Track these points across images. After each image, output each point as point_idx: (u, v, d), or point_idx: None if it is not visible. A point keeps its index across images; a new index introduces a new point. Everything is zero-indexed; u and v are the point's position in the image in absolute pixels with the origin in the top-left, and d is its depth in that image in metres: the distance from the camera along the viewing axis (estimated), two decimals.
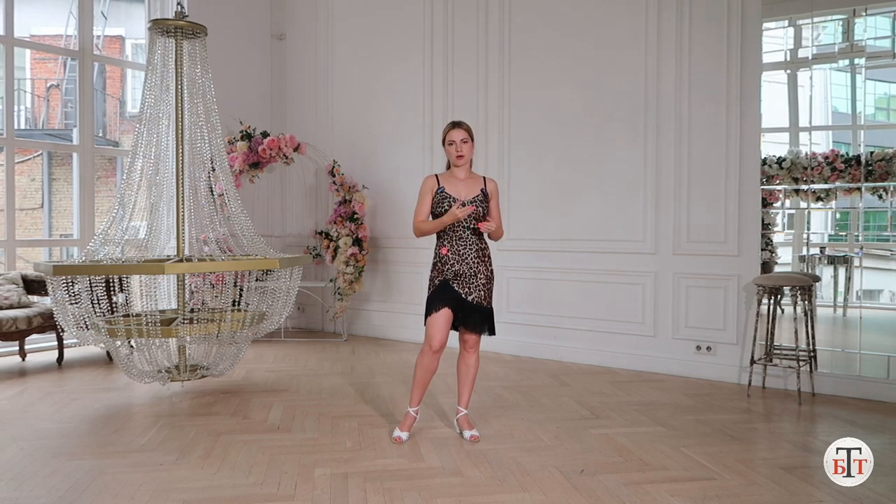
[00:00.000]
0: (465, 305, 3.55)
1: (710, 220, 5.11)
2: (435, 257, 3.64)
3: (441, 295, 3.54)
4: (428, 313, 3.55)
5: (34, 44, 9.51)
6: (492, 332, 3.65)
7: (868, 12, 4.80)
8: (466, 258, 3.56)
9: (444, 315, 3.52)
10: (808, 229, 5.07)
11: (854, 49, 4.90)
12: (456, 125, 3.61)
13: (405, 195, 6.55)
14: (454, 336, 3.70)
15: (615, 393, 4.68)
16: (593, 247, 5.63)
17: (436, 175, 3.68)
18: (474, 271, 3.57)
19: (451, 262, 3.56)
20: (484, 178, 3.70)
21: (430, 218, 3.65)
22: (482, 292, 3.58)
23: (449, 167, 3.70)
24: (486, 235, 3.67)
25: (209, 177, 4.55)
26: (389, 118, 6.83)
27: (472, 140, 3.63)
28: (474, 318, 3.58)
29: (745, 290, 4.97)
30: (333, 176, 6.60)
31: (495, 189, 3.70)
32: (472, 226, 3.57)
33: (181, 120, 4.55)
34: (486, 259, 3.63)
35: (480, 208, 3.58)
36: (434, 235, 3.68)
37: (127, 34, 12.10)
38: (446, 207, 3.55)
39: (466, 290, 3.54)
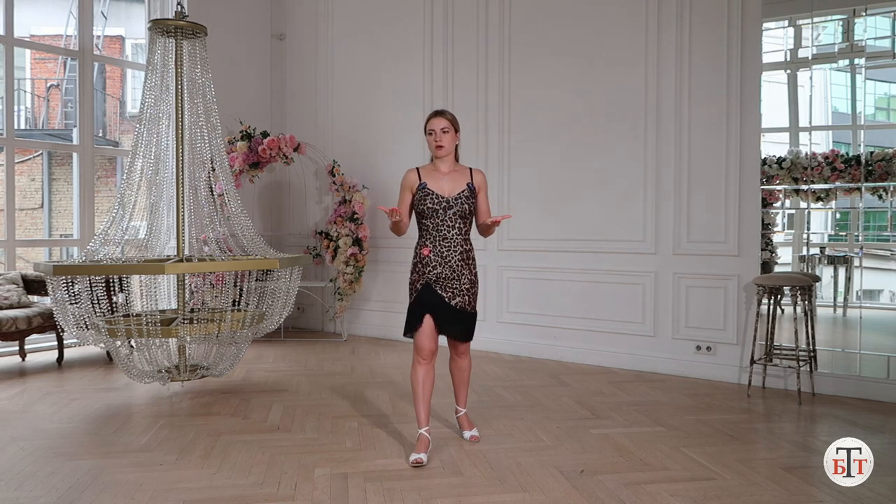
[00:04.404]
0: (448, 310, 3.36)
1: (710, 220, 5.11)
2: (415, 257, 3.43)
3: (422, 303, 3.35)
4: (412, 326, 3.36)
5: (34, 44, 9.52)
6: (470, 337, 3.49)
7: (868, 12, 4.80)
8: (450, 261, 3.36)
9: (428, 324, 3.34)
10: (808, 229, 5.07)
11: (854, 49, 4.90)
12: (437, 113, 3.38)
13: None
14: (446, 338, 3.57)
15: (615, 393, 4.68)
16: (593, 247, 5.63)
17: (417, 169, 3.45)
18: (457, 275, 3.37)
19: (433, 263, 3.36)
20: (470, 169, 3.46)
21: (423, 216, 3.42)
22: (466, 297, 3.40)
23: (433, 159, 3.48)
24: (470, 237, 3.48)
25: (209, 177, 4.55)
26: (389, 118, 6.83)
27: (457, 130, 3.40)
28: (458, 324, 3.40)
29: (745, 290, 4.97)
30: (333, 176, 6.60)
31: (483, 182, 3.45)
32: (457, 224, 3.37)
33: (181, 120, 4.55)
34: (471, 262, 3.44)
35: (466, 205, 3.38)
36: (418, 234, 3.49)
37: (127, 34, 12.11)
38: (429, 205, 3.35)
39: (450, 294, 3.36)
